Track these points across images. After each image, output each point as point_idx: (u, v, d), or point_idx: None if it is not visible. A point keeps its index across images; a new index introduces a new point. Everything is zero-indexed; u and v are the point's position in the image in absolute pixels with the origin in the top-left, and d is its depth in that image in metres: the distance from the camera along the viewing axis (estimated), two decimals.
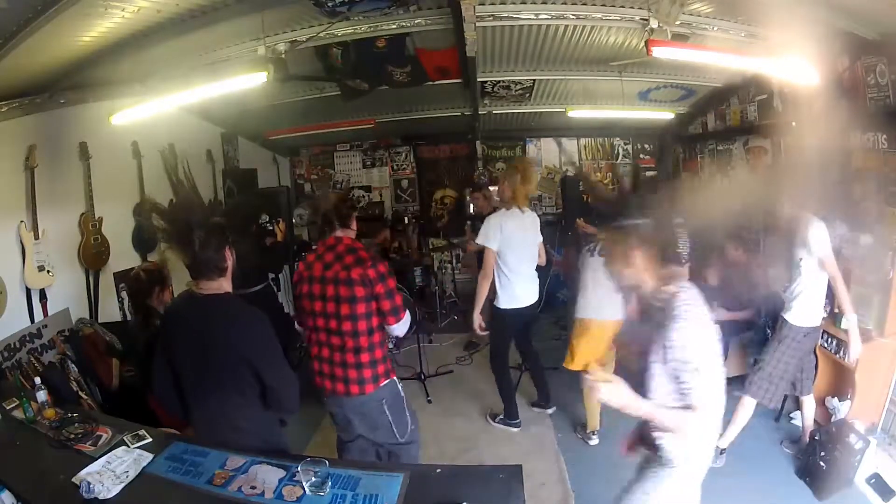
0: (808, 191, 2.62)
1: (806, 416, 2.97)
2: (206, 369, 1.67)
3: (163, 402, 1.86)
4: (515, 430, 3.39)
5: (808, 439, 2.85)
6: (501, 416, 3.45)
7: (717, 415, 1.52)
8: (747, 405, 2.81)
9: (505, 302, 3.21)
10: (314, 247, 2.46)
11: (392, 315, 2.13)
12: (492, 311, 3.30)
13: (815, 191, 2.62)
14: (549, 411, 3.57)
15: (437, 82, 4.28)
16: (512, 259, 3.16)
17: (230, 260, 1.71)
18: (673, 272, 1.55)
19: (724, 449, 2.85)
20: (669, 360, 1.45)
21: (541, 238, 3.34)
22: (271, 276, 3.79)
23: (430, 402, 3.83)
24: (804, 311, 2.70)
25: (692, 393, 1.43)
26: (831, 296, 3.15)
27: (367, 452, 2.31)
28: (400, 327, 2.19)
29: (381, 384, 2.16)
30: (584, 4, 3.02)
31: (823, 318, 2.84)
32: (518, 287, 3.21)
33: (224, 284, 1.71)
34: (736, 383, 3.70)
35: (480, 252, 3.28)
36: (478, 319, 3.25)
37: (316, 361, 2.20)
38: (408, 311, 2.22)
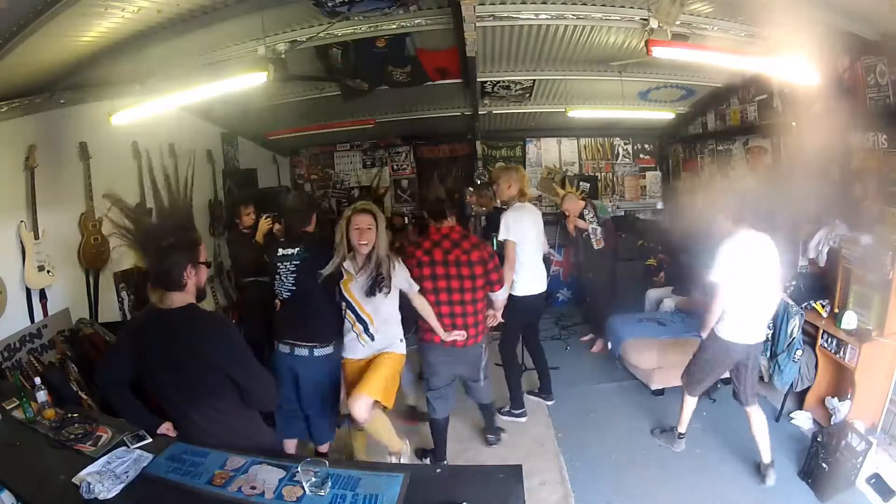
0: (743, 205, 2.59)
1: (754, 430, 2.75)
2: (182, 382, 1.68)
3: (132, 420, 1.86)
4: (522, 420, 3.42)
5: (766, 460, 2.71)
6: (507, 408, 3.47)
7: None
8: (689, 401, 2.97)
9: (521, 289, 3.32)
10: (428, 231, 2.79)
11: (498, 283, 2.80)
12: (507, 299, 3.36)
13: (750, 205, 2.60)
14: (549, 403, 3.64)
15: (437, 82, 4.28)
16: (527, 249, 3.30)
17: (192, 279, 1.70)
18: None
19: (683, 433, 3.03)
20: None
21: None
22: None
23: None
24: (727, 326, 2.69)
25: None
26: (831, 294, 3.16)
27: (451, 397, 2.90)
28: (502, 293, 2.91)
29: (479, 339, 2.81)
30: (584, 4, 3.02)
31: (759, 339, 2.71)
32: (532, 275, 3.35)
33: (186, 297, 1.70)
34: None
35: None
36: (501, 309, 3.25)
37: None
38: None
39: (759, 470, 2.75)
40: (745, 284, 2.58)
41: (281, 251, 2.65)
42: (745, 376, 2.74)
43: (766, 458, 2.72)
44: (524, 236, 3.27)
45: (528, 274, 3.34)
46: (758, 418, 2.75)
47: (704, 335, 2.80)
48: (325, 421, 2.70)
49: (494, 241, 3.76)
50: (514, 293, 3.30)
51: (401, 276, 2.55)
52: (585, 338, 4.83)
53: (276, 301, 2.72)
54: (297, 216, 2.71)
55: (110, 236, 3.28)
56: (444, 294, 2.68)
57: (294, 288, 2.59)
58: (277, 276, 2.64)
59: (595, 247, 4.49)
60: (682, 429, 3.03)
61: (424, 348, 2.81)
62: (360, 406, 2.38)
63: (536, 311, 3.55)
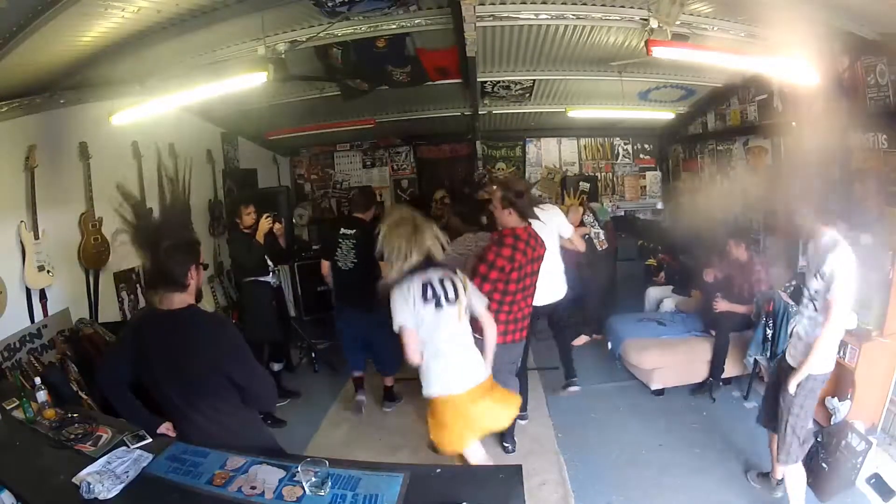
0: (826, 199, 2.17)
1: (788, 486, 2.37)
2: (182, 382, 1.68)
3: (132, 420, 1.86)
4: (524, 422, 3.37)
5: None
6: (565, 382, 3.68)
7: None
8: (796, 473, 2.33)
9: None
10: (516, 232, 2.64)
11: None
12: None
13: (832, 200, 2.17)
14: (577, 388, 3.69)
15: (437, 82, 4.28)
16: None
17: (194, 279, 1.70)
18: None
19: None
20: None
21: (570, 229, 3.42)
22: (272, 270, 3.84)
23: None
24: (824, 356, 2.16)
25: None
26: None
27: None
28: None
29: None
30: (584, 4, 3.02)
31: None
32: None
33: (186, 298, 1.70)
34: (736, 383, 3.73)
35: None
36: None
37: (510, 324, 2.68)
38: None
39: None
40: (851, 302, 2.13)
41: (343, 230, 3.45)
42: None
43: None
44: None
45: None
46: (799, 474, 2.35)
47: (802, 376, 2.17)
48: (390, 360, 3.39)
49: None
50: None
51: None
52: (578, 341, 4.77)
53: (325, 273, 3.56)
54: (358, 205, 3.55)
55: (118, 234, 3.29)
56: (524, 293, 2.66)
57: (356, 260, 3.38)
58: (339, 251, 3.43)
59: (598, 248, 4.52)
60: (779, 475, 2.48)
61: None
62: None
63: (548, 315, 3.54)
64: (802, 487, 2.33)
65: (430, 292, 2.13)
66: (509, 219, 2.61)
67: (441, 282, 2.17)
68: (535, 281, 2.76)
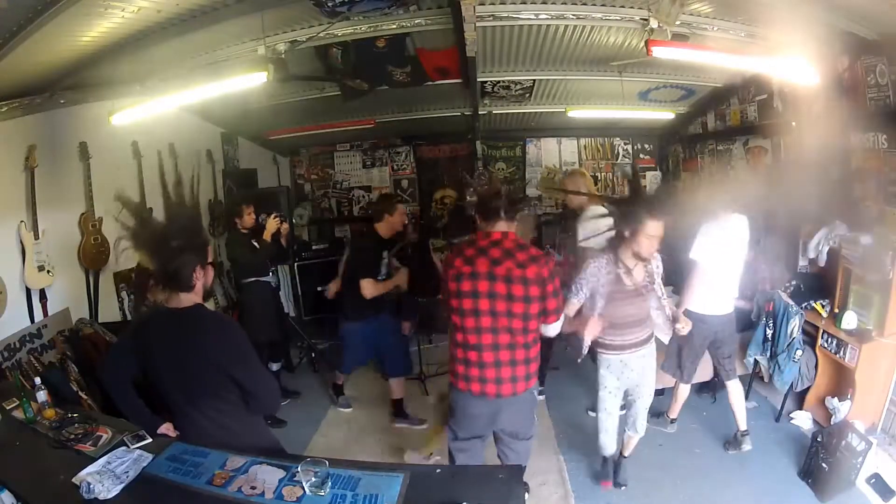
0: (741, 192, 2.84)
1: (732, 401, 3.03)
2: (186, 381, 1.68)
3: (133, 418, 1.86)
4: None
5: (742, 428, 3.01)
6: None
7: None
8: (681, 386, 3.17)
9: None
10: (469, 238, 2.17)
11: (554, 314, 2.08)
12: None
13: (747, 192, 2.84)
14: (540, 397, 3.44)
15: (437, 82, 4.28)
16: None
17: (200, 280, 1.70)
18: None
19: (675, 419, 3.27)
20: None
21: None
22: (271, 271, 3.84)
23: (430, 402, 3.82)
24: (700, 301, 2.89)
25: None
26: (831, 294, 3.17)
27: (478, 453, 2.25)
28: (554, 327, 2.14)
29: (532, 384, 2.13)
30: (584, 4, 3.01)
31: (727, 311, 2.97)
32: None
33: (193, 297, 1.71)
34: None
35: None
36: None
37: (467, 366, 2.08)
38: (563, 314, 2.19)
39: (735, 439, 3.01)
40: (718, 260, 2.81)
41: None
42: (724, 350, 3.01)
43: (742, 426, 3.00)
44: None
45: None
46: (736, 389, 3.01)
47: (682, 307, 2.84)
48: (399, 360, 3.56)
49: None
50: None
51: None
52: None
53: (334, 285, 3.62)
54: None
55: (120, 239, 3.30)
56: (486, 319, 2.01)
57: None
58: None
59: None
60: (673, 415, 3.27)
61: (453, 393, 2.20)
62: None
63: None
64: (681, 400, 3.19)
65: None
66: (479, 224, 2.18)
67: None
68: (515, 312, 1.99)
